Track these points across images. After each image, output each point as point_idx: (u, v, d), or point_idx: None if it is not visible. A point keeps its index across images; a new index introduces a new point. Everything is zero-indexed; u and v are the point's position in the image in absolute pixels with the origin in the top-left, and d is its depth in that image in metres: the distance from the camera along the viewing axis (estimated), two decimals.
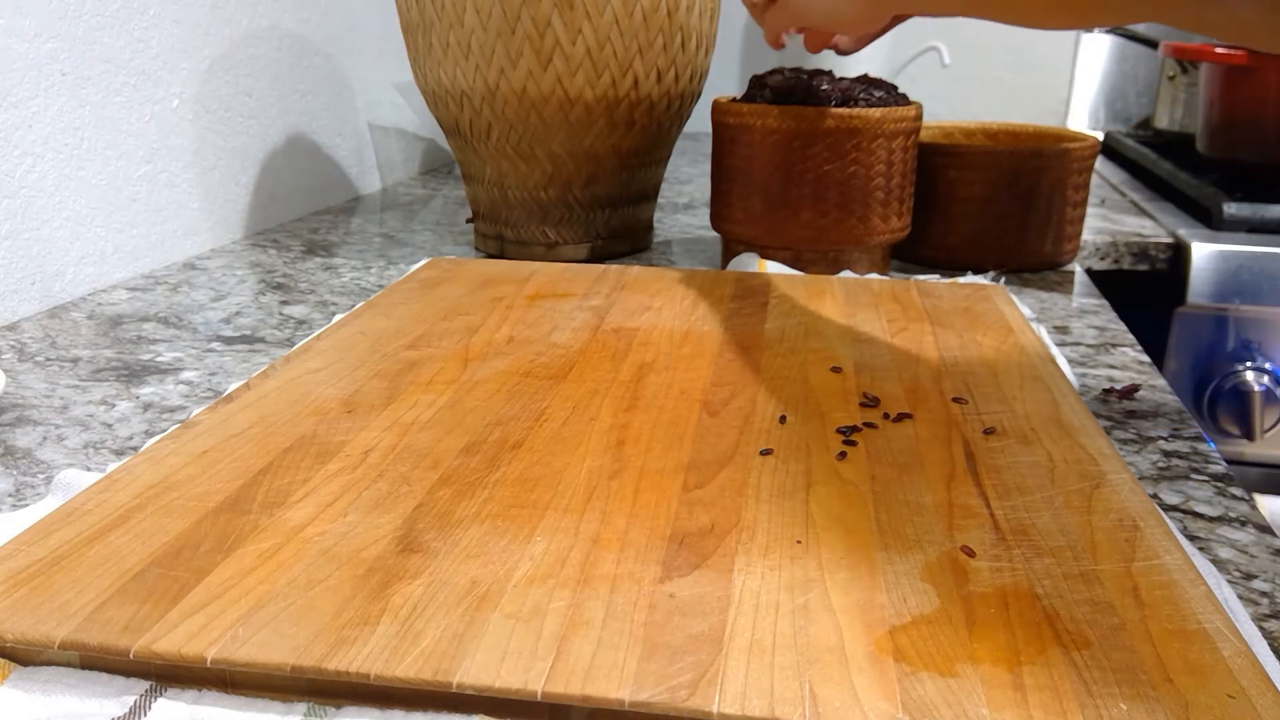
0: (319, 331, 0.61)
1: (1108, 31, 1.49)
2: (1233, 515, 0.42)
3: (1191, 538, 0.41)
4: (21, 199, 0.68)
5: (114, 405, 0.54)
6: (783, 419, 0.47)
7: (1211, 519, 0.42)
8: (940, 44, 1.42)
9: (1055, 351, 0.59)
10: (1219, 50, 1.00)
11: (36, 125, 0.68)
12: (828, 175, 0.72)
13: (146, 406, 0.53)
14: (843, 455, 0.43)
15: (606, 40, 0.73)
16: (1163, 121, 1.41)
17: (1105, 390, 0.56)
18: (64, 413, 0.52)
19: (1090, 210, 1.06)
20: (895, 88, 0.76)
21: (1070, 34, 1.52)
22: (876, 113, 0.71)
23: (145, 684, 0.31)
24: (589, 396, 0.49)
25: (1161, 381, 0.58)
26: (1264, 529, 0.41)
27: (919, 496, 0.39)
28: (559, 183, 0.80)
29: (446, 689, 0.29)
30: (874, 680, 0.28)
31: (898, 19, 0.65)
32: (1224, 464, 0.47)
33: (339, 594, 0.32)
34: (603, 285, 0.69)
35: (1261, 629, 0.35)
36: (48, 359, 0.60)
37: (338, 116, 1.08)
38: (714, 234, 0.95)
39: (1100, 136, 1.52)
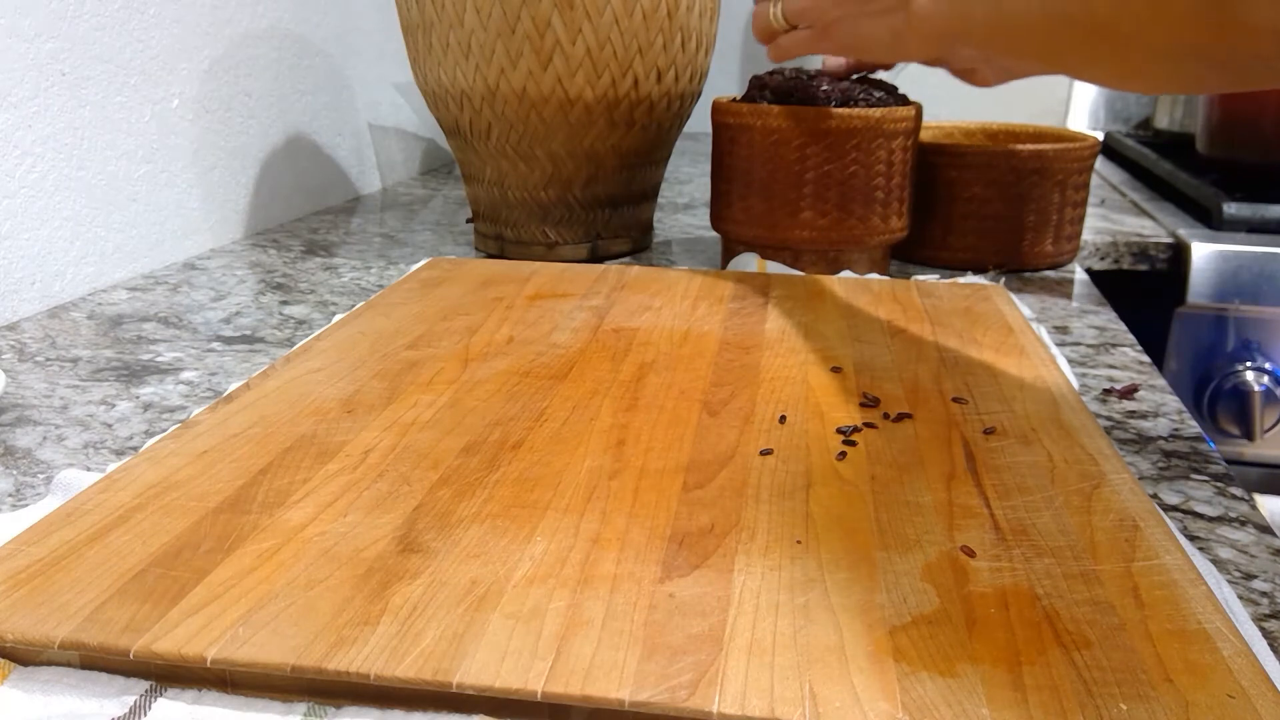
0: (319, 331, 0.61)
1: None
2: (1233, 515, 0.42)
3: (1191, 538, 0.41)
4: (21, 199, 0.68)
5: (114, 405, 0.54)
6: (783, 419, 0.47)
7: (1211, 519, 0.42)
8: None
9: (1055, 351, 0.59)
10: None
11: (36, 125, 0.68)
12: (828, 175, 0.72)
13: (146, 406, 0.53)
14: (843, 455, 0.43)
15: (606, 40, 0.73)
16: (1163, 121, 1.41)
17: (1105, 390, 0.56)
18: (64, 413, 0.52)
19: (1090, 210, 1.06)
20: (895, 88, 0.76)
21: None
22: (876, 113, 0.71)
23: (145, 684, 0.31)
24: (589, 396, 0.49)
25: (1161, 381, 0.58)
26: (1264, 529, 0.41)
27: (919, 496, 0.39)
28: (559, 183, 0.80)
29: (446, 689, 0.29)
30: (874, 680, 0.28)
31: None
32: (1224, 464, 0.47)
33: (339, 594, 0.32)
34: (603, 285, 0.69)
35: (1261, 629, 0.35)
36: (48, 359, 0.60)
37: (338, 116, 1.08)
38: (714, 234, 0.95)
39: (1100, 136, 1.52)
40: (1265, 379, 0.88)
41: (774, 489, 0.40)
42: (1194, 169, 1.07)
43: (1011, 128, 0.88)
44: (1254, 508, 0.43)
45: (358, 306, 0.64)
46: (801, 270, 0.75)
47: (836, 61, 0.75)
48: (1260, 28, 0.37)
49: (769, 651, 0.30)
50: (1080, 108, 1.54)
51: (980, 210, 0.78)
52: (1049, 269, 0.81)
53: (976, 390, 0.50)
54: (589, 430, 0.45)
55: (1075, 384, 0.55)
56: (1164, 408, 0.54)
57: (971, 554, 0.35)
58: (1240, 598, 0.36)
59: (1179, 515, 0.43)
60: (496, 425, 0.46)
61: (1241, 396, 0.89)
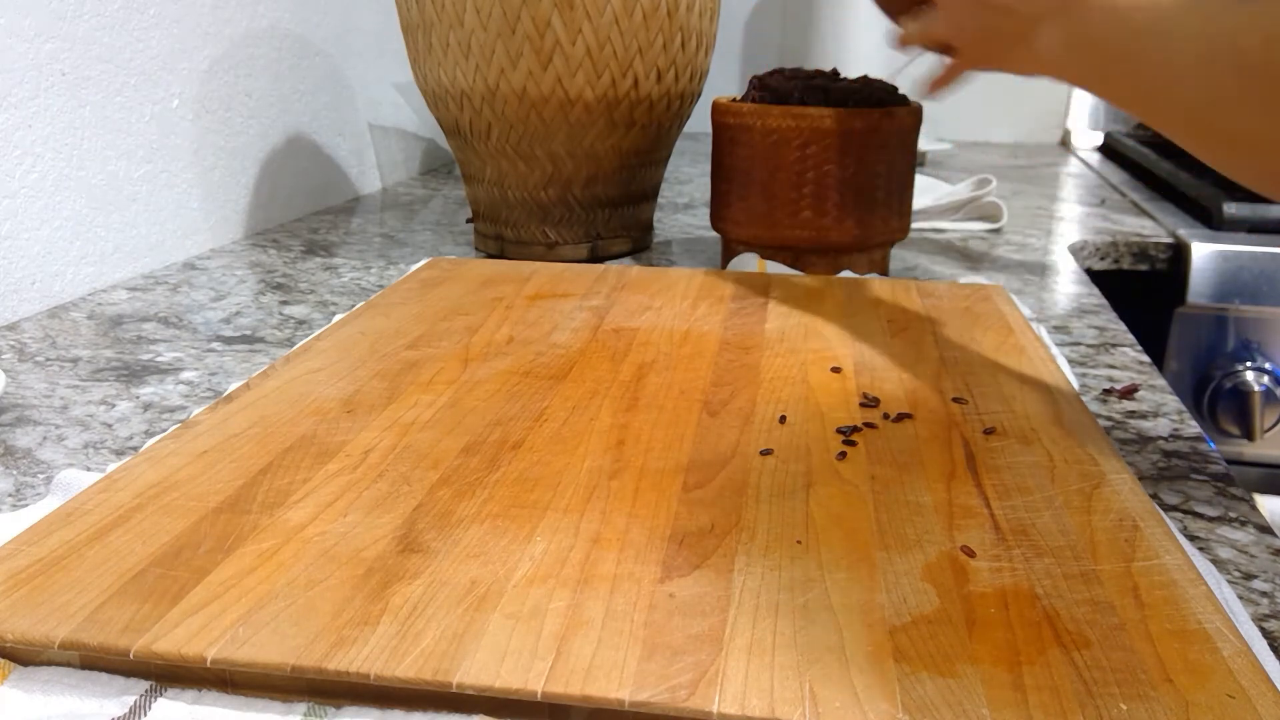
0: (319, 331, 0.61)
1: None
2: (1233, 515, 0.42)
3: (1191, 538, 0.41)
4: (21, 199, 0.68)
5: (114, 405, 0.54)
6: (783, 419, 0.47)
7: (1211, 519, 0.42)
8: None
9: (1055, 351, 0.59)
10: None
11: (36, 125, 0.68)
12: (828, 175, 0.72)
13: (146, 406, 0.53)
14: (843, 455, 0.43)
15: (606, 40, 0.73)
16: None
17: (1105, 390, 0.56)
18: (64, 413, 0.52)
19: (1090, 210, 1.06)
20: (895, 88, 0.76)
21: None
22: (876, 113, 0.71)
23: (145, 684, 0.31)
24: (589, 396, 0.49)
25: (1161, 381, 0.58)
26: (1264, 529, 0.41)
27: (919, 496, 0.39)
28: (559, 183, 0.80)
29: (446, 689, 0.29)
30: (874, 680, 0.28)
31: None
32: (1224, 464, 0.47)
33: (339, 594, 0.32)
34: (603, 285, 0.69)
35: (1261, 629, 0.35)
36: (48, 359, 0.60)
37: (338, 116, 1.08)
38: (714, 234, 0.95)
39: (1100, 137, 1.52)
40: (1265, 379, 0.88)
41: (774, 489, 0.40)
42: (1194, 169, 1.07)
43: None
44: (1254, 508, 0.43)
45: (358, 306, 0.64)
46: (801, 270, 0.75)
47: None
48: None
49: (769, 651, 0.30)
50: (1081, 106, 1.54)
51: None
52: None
53: (976, 390, 0.50)
54: (589, 430, 0.45)
55: (1075, 384, 0.55)
56: (1164, 408, 0.54)
57: (971, 554, 0.35)
58: (1240, 598, 0.36)
59: (1179, 515, 0.43)
60: (496, 425, 0.46)
61: (1241, 396, 0.89)
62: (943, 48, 0.61)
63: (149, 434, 0.50)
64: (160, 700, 0.30)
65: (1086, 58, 0.47)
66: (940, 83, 0.62)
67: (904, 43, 0.64)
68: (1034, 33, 0.50)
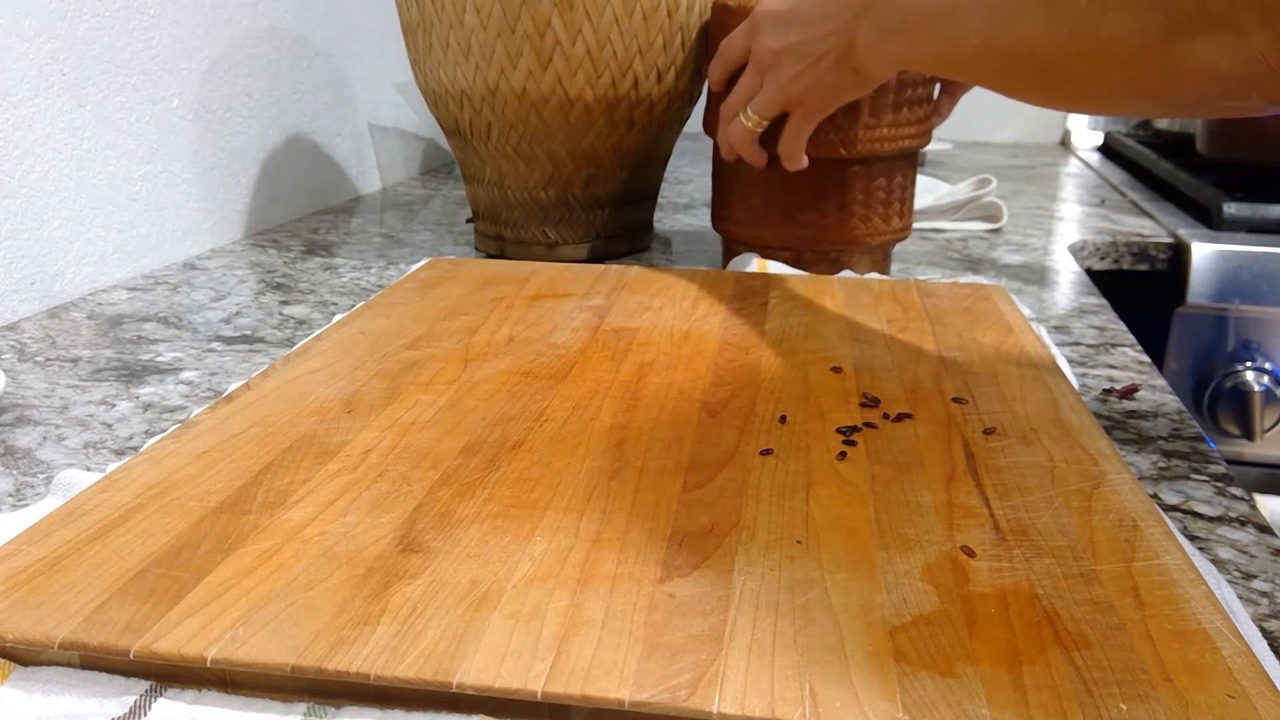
0: (319, 331, 0.61)
1: None
2: (1233, 515, 0.42)
3: (1191, 538, 0.41)
4: (21, 199, 0.68)
5: (114, 405, 0.54)
6: (783, 419, 0.47)
7: (1211, 519, 0.42)
8: None
9: (1055, 351, 0.59)
10: None
11: (36, 125, 0.68)
12: (827, 175, 0.72)
13: (146, 406, 0.53)
14: (843, 455, 0.43)
15: (606, 40, 0.73)
16: (1162, 121, 1.41)
17: (1105, 390, 0.56)
18: (64, 413, 0.52)
19: (1090, 210, 1.06)
20: None
21: None
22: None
23: (145, 684, 0.31)
24: (589, 396, 0.49)
25: (1161, 381, 0.58)
26: (1264, 529, 0.41)
27: (919, 496, 0.39)
28: (559, 183, 0.80)
29: (446, 689, 0.29)
30: (874, 680, 0.28)
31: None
32: (1224, 464, 0.47)
33: (339, 594, 0.32)
34: (603, 285, 0.69)
35: (1261, 629, 0.35)
36: (48, 359, 0.60)
37: (338, 116, 1.08)
38: (714, 234, 0.95)
39: (1100, 137, 1.52)
40: (1265, 379, 0.88)
41: (774, 489, 0.40)
42: (1194, 169, 1.07)
43: None
44: (1254, 508, 0.43)
45: (358, 306, 0.64)
46: (801, 270, 0.75)
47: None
48: (1200, 70, 0.37)
49: (769, 651, 0.30)
50: None
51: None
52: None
53: (976, 390, 0.50)
54: (589, 430, 0.45)
55: (1075, 384, 0.55)
56: (1164, 408, 0.54)
57: (971, 554, 0.35)
58: (1240, 598, 0.36)
59: (1179, 515, 0.43)
60: (496, 425, 0.46)
61: (1241, 396, 0.89)
62: (779, 108, 0.66)
63: (149, 434, 0.50)
64: (160, 700, 0.30)
65: (901, 35, 0.56)
66: (793, 147, 0.68)
67: (745, 135, 0.69)
68: (854, 37, 0.59)
